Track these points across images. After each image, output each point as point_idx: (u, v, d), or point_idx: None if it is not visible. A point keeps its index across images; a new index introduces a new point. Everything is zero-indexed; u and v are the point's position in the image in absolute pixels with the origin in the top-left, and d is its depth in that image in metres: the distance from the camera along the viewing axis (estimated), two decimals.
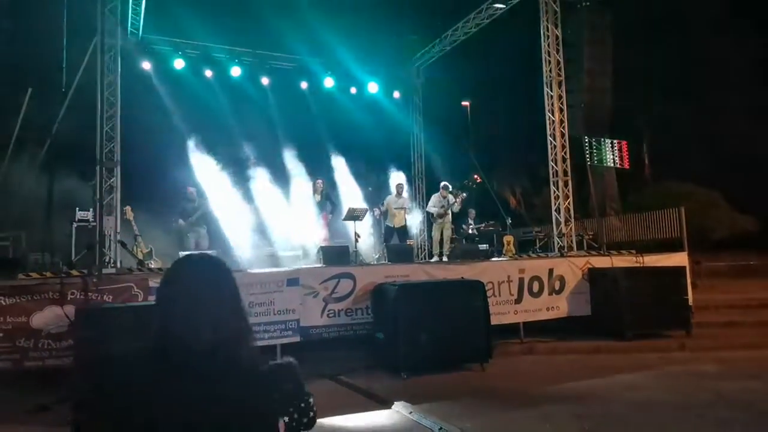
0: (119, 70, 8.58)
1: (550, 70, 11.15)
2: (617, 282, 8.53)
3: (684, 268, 9.11)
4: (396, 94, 15.53)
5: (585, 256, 9.62)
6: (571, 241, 10.83)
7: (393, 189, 12.42)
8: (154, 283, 6.66)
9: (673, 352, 7.75)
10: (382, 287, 7.44)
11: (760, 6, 22.14)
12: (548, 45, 11.15)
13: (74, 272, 6.81)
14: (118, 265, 7.57)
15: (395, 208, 12.01)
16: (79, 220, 8.62)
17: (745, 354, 7.44)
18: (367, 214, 10.63)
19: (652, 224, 13.29)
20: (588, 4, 11.58)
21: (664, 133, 24.77)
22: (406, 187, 12.57)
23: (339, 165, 15.11)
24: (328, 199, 11.20)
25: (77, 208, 9.11)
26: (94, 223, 7.25)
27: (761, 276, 17.57)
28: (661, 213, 12.80)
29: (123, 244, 7.60)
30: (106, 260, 7.30)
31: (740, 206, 21.33)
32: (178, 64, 12.74)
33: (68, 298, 6.16)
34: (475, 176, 21.55)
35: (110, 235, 7.53)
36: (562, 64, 11.14)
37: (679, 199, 16.51)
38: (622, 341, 8.11)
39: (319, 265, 8.55)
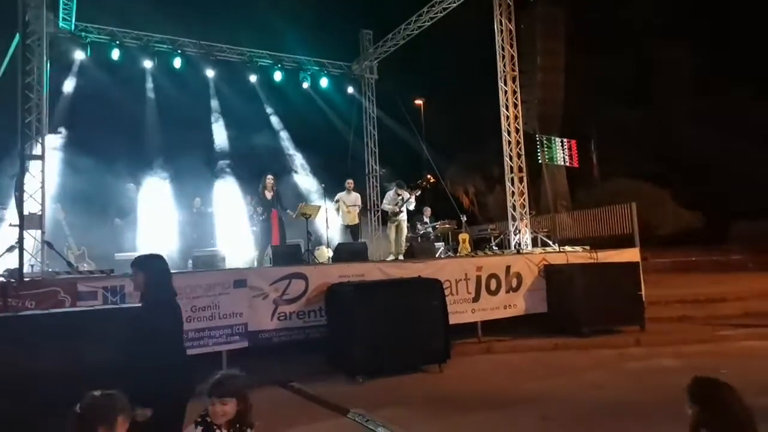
0: (45, 57, 7.84)
1: (504, 65, 11.01)
2: (573, 278, 8.46)
3: (637, 263, 9.14)
4: (349, 90, 15.12)
5: (541, 253, 9.53)
6: (527, 238, 10.73)
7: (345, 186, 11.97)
8: (84, 287, 6.07)
9: (630, 348, 7.69)
10: (336, 287, 7.09)
11: (707, 18, 23.24)
12: (502, 39, 11.00)
13: None
14: (45, 268, 6.87)
15: (349, 206, 11.63)
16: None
17: (699, 348, 7.46)
18: (320, 211, 10.17)
19: (604, 220, 13.38)
20: None
21: (612, 134, 25.45)
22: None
23: (290, 161, 14.65)
24: (279, 196, 10.67)
25: None
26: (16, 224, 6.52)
27: (702, 271, 18.20)
28: (612, 209, 12.88)
29: (50, 245, 6.91)
30: (30, 263, 6.60)
31: (685, 204, 22.10)
32: (115, 54, 12.03)
33: None
34: (428, 176, 21.40)
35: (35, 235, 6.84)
36: (516, 59, 11.01)
37: (627, 196, 16.82)
38: (579, 338, 8.01)
39: (269, 266, 8.08)
